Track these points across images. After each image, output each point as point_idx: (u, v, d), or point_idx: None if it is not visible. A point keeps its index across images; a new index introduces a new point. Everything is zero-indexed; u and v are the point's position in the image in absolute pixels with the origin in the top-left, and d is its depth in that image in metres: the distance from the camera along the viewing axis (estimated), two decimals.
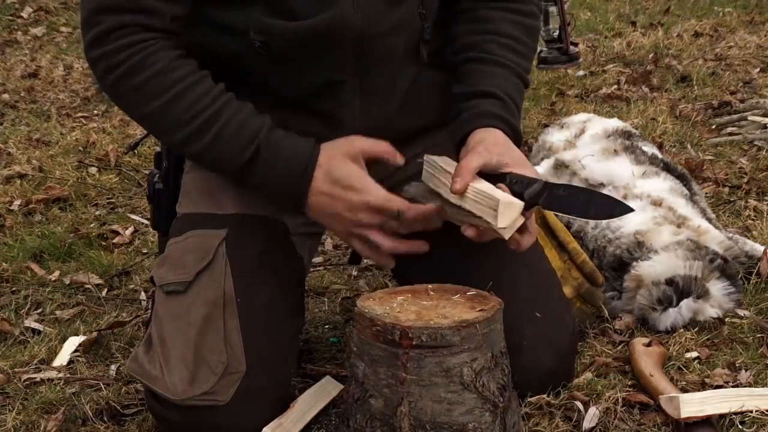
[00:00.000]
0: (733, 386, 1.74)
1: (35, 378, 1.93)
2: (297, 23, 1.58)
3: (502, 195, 1.50)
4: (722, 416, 1.61)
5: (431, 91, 1.78)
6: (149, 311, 2.03)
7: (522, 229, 1.55)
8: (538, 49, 3.24)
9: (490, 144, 1.61)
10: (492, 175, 1.57)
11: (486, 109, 1.68)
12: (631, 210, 1.57)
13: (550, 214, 2.05)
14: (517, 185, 1.55)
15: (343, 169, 1.59)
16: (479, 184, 1.53)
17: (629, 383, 1.76)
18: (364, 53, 1.65)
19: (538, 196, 1.54)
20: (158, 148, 1.88)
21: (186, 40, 1.66)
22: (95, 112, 4.33)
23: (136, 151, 3.50)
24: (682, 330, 1.95)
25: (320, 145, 1.61)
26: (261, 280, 1.66)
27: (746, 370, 1.79)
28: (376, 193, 1.58)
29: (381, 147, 1.63)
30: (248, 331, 1.61)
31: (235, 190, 1.71)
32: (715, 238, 2.11)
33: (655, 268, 2.00)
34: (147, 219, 2.88)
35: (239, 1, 1.59)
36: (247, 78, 1.66)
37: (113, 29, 1.55)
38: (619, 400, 1.67)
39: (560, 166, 2.40)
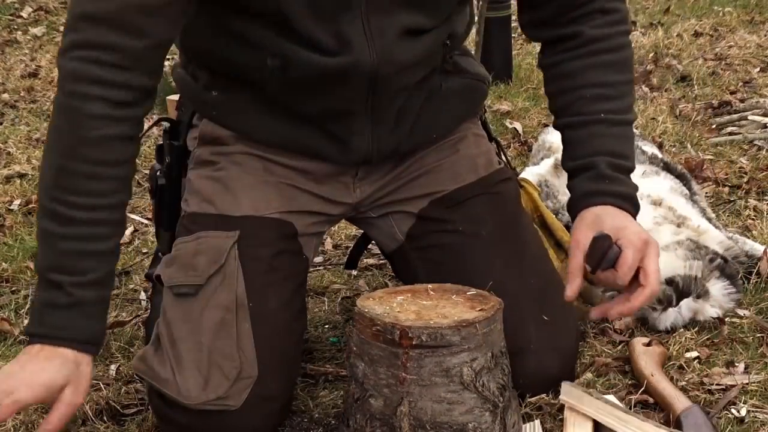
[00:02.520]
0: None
1: None
2: (315, 58, 1.57)
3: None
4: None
5: (441, 106, 1.78)
6: (149, 310, 2.03)
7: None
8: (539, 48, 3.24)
9: (578, 236, 1.61)
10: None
11: (582, 190, 1.67)
12: None
13: (548, 213, 2.05)
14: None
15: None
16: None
17: (629, 383, 1.76)
18: (377, 89, 1.64)
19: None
20: (160, 142, 1.86)
21: (197, 44, 1.67)
22: None
23: None
24: (682, 330, 1.95)
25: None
26: (272, 283, 1.66)
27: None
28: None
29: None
30: (260, 336, 1.60)
31: (247, 192, 1.70)
32: (715, 238, 2.11)
33: None
34: (147, 219, 2.88)
35: (263, 20, 1.56)
36: (263, 89, 1.65)
37: (82, 45, 1.46)
38: (619, 400, 1.67)
39: (560, 165, 2.39)
